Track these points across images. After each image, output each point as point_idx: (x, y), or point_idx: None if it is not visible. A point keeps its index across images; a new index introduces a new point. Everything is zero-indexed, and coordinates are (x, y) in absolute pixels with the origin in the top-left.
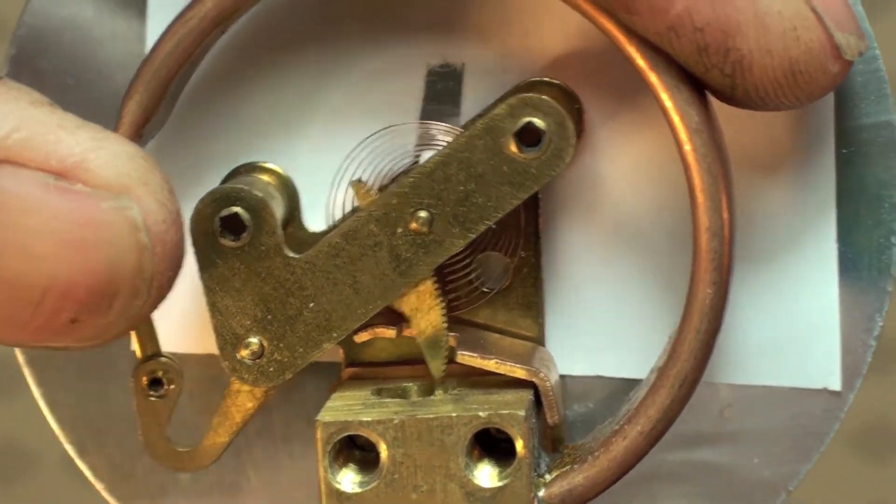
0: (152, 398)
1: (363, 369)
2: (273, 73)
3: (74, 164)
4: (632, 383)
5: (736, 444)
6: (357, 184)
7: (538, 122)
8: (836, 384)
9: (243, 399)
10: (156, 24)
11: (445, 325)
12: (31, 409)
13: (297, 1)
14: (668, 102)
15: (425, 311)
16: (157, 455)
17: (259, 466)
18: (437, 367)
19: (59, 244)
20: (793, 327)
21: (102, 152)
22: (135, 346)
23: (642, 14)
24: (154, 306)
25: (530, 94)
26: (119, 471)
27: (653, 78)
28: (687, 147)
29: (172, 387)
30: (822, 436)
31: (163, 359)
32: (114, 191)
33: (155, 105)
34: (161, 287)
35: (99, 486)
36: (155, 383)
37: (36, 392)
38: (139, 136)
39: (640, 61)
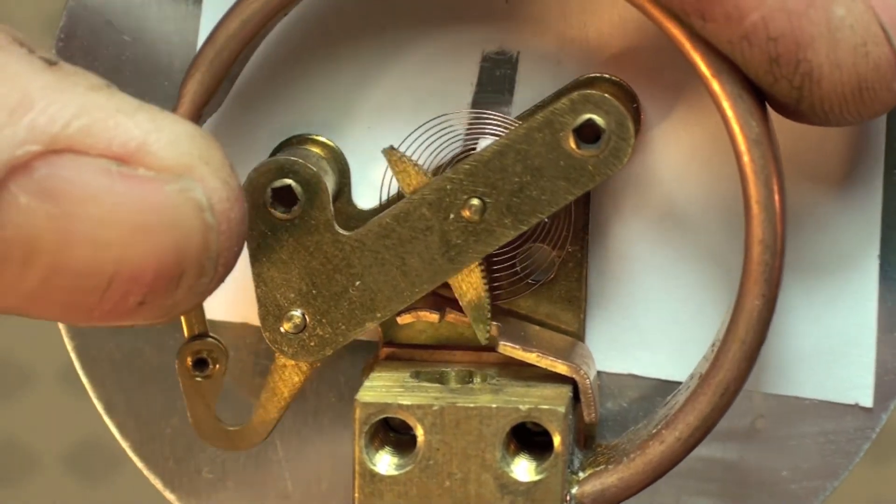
0: (198, 378)
1: (400, 350)
2: (330, 54)
3: (136, 147)
4: (667, 385)
5: (765, 454)
6: (389, 151)
7: (598, 120)
8: (867, 400)
9: (290, 374)
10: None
11: (487, 288)
12: (31, 410)
13: None
14: (729, 112)
15: (465, 274)
16: (207, 435)
17: (287, 438)
18: (481, 331)
19: (124, 231)
20: (829, 340)
21: (163, 134)
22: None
23: (718, 22)
24: (220, 281)
25: (592, 91)
26: (146, 430)
27: (715, 86)
28: (745, 158)
29: (218, 367)
30: (852, 455)
31: (208, 339)
32: (176, 172)
33: (216, 86)
34: (227, 263)
35: (125, 444)
36: (200, 363)
37: (69, 345)
38: (198, 116)
39: (704, 68)
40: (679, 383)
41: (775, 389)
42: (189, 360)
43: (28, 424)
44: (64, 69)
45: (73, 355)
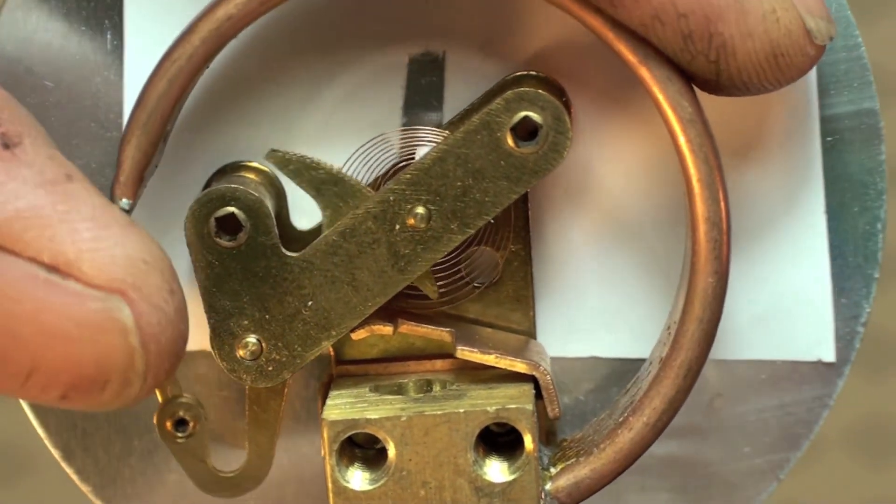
0: (181, 440)
1: (354, 366)
2: (263, 81)
3: (66, 261)
4: (623, 372)
5: (726, 433)
6: (271, 153)
7: (535, 117)
8: (829, 355)
9: (266, 400)
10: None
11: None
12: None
13: (284, 12)
14: (660, 95)
15: None
16: (212, 489)
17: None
18: (431, 289)
19: (43, 334)
20: (786, 300)
21: (99, 254)
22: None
23: (626, 4)
24: (153, 389)
25: (526, 89)
26: (106, 473)
27: (644, 72)
28: (682, 139)
29: (198, 424)
30: (812, 423)
31: (182, 399)
32: (105, 291)
33: (153, 146)
34: (157, 377)
35: (86, 488)
36: (180, 424)
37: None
38: (140, 179)
39: (630, 56)
40: (642, 360)
41: (736, 355)
42: (168, 424)
43: (28, 424)
44: (19, 157)
45: (24, 407)
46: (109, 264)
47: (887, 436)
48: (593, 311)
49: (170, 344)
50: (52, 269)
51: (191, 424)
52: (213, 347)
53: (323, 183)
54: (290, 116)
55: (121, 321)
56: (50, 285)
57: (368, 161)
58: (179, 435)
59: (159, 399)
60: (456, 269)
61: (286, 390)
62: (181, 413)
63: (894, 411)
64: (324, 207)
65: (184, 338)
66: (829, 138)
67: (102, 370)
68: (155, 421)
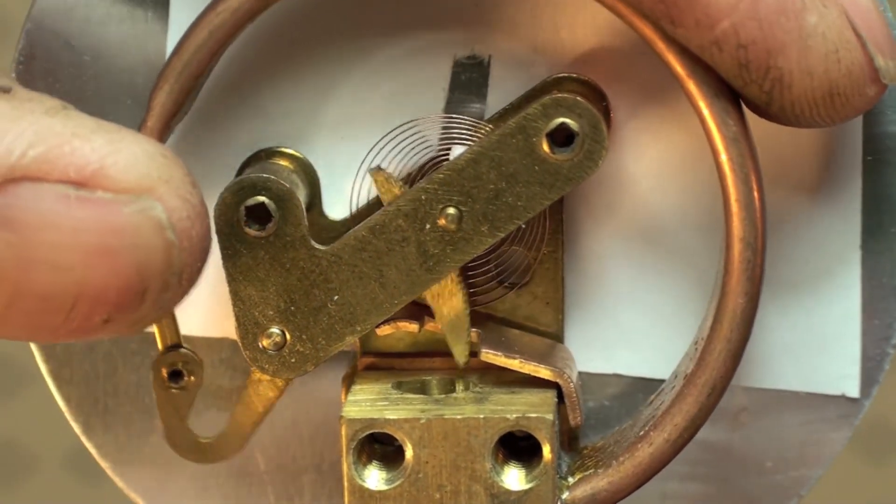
0: (173, 390)
1: (379, 359)
2: (296, 63)
3: (93, 171)
4: (648, 382)
5: (749, 447)
6: (376, 171)
7: (571, 124)
8: (854, 391)
9: (265, 389)
10: (179, 12)
11: (467, 310)
12: (31, 410)
13: None
14: (705, 111)
15: (447, 297)
16: (179, 447)
17: (267, 450)
18: (460, 352)
19: (85, 254)
20: (814, 332)
21: (121, 155)
22: (155, 337)
23: (687, 27)
24: (185, 294)
25: (565, 95)
26: (125, 451)
27: (691, 86)
28: (723, 157)
29: (193, 378)
30: (836, 443)
31: (183, 350)
32: (135, 193)
33: (185, 96)
34: (191, 277)
35: (104, 464)
36: (175, 375)
37: (43, 368)
38: (167, 128)
39: (679, 69)
40: (660, 381)
41: (761, 383)
42: (164, 372)
43: (28, 424)
44: (18, 95)
45: (47, 378)
46: (133, 164)
47: (888, 435)
48: (620, 323)
49: (200, 239)
50: (81, 184)
51: (185, 378)
52: (237, 336)
53: None
54: (319, 99)
55: (156, 218)
56: (82, 202)
57: (400, 146)
58: (172, 386)
59: (159, 345)
60: (487, 267)
61: (286, 387)
62: (180, 365)
63: (895, 411)
64: None
65: (209, 234)
66: (868, 158)
67: (143, 276)
68: (152, 366)
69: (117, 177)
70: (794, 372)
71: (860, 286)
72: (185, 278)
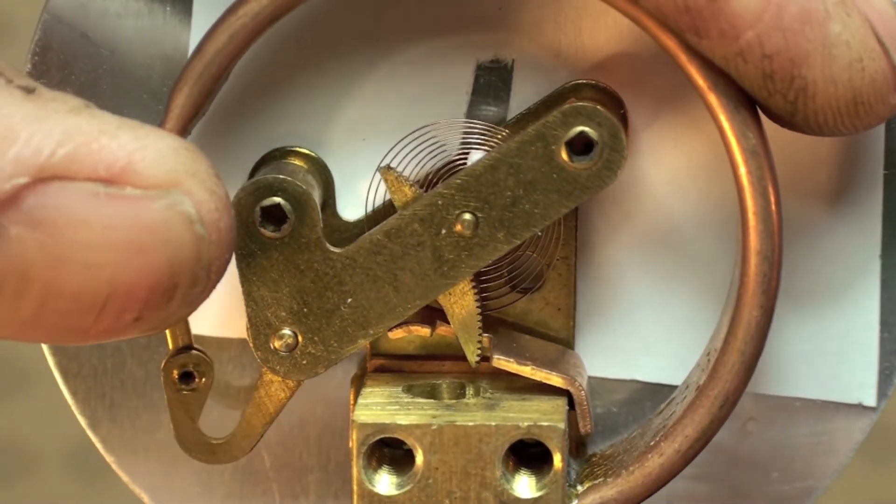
0: (184, 392)
1: (389, 361)
2: (314, 63)
3: (122, 168)
4: (656, 387)
5: (756, 456)
6: (386, 170)
7: (591, 133)
8: (871, 399)
9: (276, 390)
10: (202, 12)
11: (479, 310)
12: (31, 409)
13: None
14: (725, 124)
15: (459, 296)
16: (190, 448)
17: (273, 449)
18: (471, 352)
19: (117, 251)
20: (832, 341)
21: (147, 151)
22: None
23: (712, 39)
24: (213, 289)
25: (585, 104)
26: (131, 445)
27: (712, 99)
28: (742, 169)
29: (204, 380)
30: (843, 454)
31: (194, 351)
32: (164, 188)
33: (203, 99)
34: (219, 270)
35: (110, 458)
36: (186, 377)
37: (51, 361)
38: (185, 130)
39: (700, 81)
40: (669, 387)
41: (778, 391)
42: (175, 373)
43: (28, 424)
44: (43, 95)
45: (55, 371)
46: (160, 158)
47: (889, 435)
48: (632, 332)
49: (227, 231)
50: (109, 182)
51: (196, 379)
52: (249, 336)
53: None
54: (337, 101)
55: (186, 212)
56: (112, 199)
57: (418, 150)
58: (184, 387)
59: (170, 345)
60: (500, 272)
61: (297, 388)
62: (191, 366)
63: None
64: None
65: (234, 226)
66: (886, 171)
67: (174, 271)
68: (162, 366)
69: (145, 172)
70: (811, 380)
71: (879, 295)
72: (213, 271)
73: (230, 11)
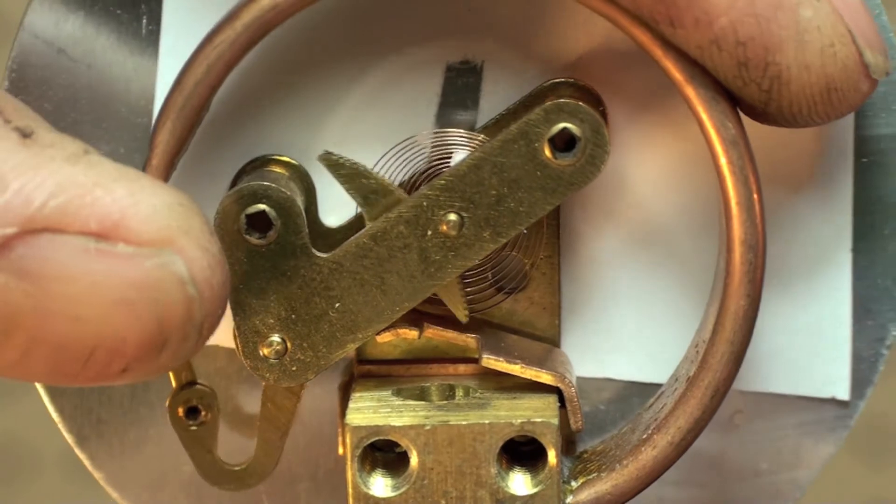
0: (193, 428)
1: (376, 366)
2: (294, 74)
3: (114, 223)
4: (642, 386)
5: (745, 448)
6: (326, 156)
7: (573, 129)
8: (844, 394)
9: (282, 399)
10: (172, 25)
11: None
12: (31, 409)
13: (319, 6)
14: (704, 115)
15: None
16: (215, 480)
17: None
18: (460, 310)
19: (103, 306)
20: (804, 336)
21: (141, 207)
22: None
23: (687, 27)
24: (205, 342)
25: (567, 100)
26: (119, 461)
27: (689, 91)
28: (723, 160)
29: (210, 413)
30: (831, 444)
31: (197, 386)
32: (156, 245)
33: (187, 132)
34: (211, 326)
35: (98, 475)
36: (192, 412)
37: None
38: (171, 165)
39: (676, 74)
40: (655, 385)
41: (752, 387)
42: (181, 411)
43: (28, 424)
44: (39, 141)
45: (40, 389)
46: (153, 215)
47: (885, 436)
48: (615, 328)
49: (220, 287)
50: (101, 236)
51: (203, 413)
52: (237, 345)
53: (372, 192)
54: (318, 114)
55: (177, 272)
56: (102, 255)
57: (400, 163)
58: (191, 423)
59: (173, 383)
60: (484, 273)
61: (302, 391)
62: (195, 401)
63: (894, 410)
64: (369, 218)
65: (229, 280)
66: (864, 160)
67: (164, 329)
68: (167, 405)
69: (138, 228)
70: (786, 375)
71: (851, 288)
72: (205, 328)
73: (206, 42)
